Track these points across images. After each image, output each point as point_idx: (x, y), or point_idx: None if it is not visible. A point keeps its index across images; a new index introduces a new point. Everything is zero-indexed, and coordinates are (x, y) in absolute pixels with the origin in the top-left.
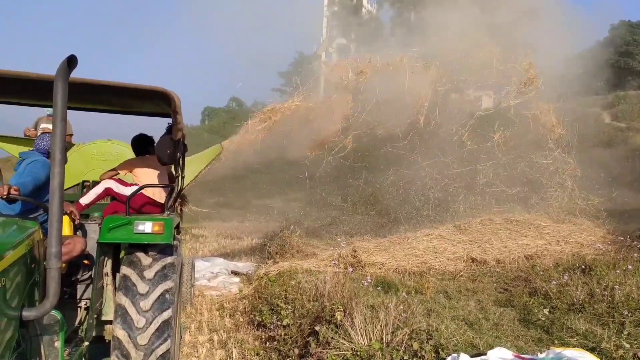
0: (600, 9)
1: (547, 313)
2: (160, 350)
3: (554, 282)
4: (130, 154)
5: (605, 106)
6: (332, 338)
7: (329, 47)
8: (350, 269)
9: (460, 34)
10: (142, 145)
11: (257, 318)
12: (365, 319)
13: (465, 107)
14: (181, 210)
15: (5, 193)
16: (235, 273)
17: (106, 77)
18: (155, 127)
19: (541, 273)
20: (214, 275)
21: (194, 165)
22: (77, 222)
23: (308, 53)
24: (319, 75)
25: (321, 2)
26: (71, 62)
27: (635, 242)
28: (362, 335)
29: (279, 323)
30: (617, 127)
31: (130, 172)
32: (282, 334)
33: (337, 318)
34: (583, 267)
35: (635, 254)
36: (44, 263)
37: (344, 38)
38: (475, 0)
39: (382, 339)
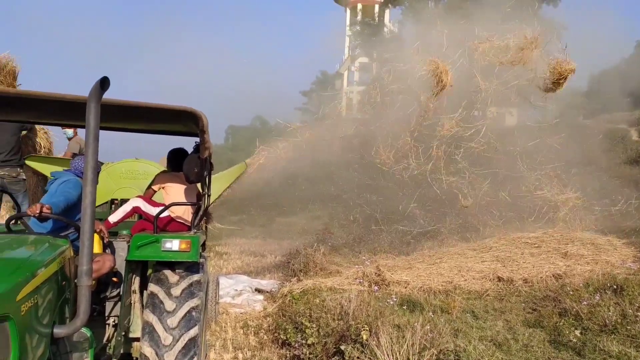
0: (625, 26)
1: (579, 334)
2: None
3: (585, 303)
4: (156, 172)
5: (633, 123)
6: (358, 358)
7: (351, 66)
8: (376, 288)
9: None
10: (179, 159)
11: (282, 336)
12: (391, 338)
13: (488, 124)
14: (206, 227)
15: (37, 211)
16: (259, 291)
17: (130, 97)
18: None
19: (571, 293)
20: (238, 293)
21: (219, 183)
22: (106, 240)
23: (331, 72)
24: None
25: (343, 21)
26: (104, 83)
27: None
28: (388, 355)
29: (303, 342)
30: None
31: (163, 188)
32: (307, 353)
33: (362, 337)
34: (614, 287)
35: None
36: (75, 281)
37: (366, 57)
38: (499, 14)
39: (408, 359)
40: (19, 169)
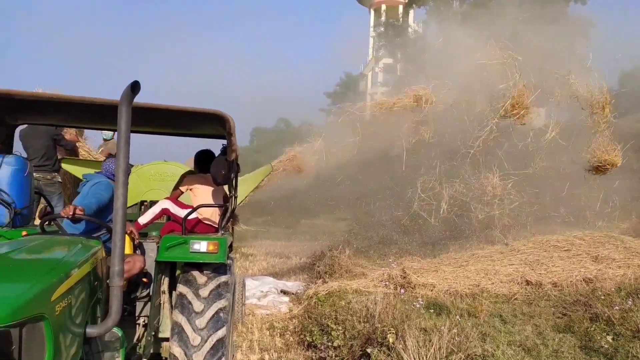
0: None
1: (611, 340)
2: None
3: (617, 308)
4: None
5: None
6: None
7: (375, 67)
8: (402, 291)
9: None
10: (206, 160)
11: (308, 338)
12: (418, 342)
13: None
14: (232, 229)
15: (70, 213)
16: (284, 292)
17: (155, 99)
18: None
19: (602, 297)
20: (264, 294)
21: (245, 185)
22: (136, 241)
23: (354, 73)
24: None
25: (367, 23)
26: (135, 87)
27: None
28: (415, 359)
29: (329, 344)
30: None
31: (191, 189)
32: (333, 355)
33: (389, 340)
34: None
35: None
36: (107, 281)
37: (390, 57)
38: (525, 13)
39: None
40: (53, 173)
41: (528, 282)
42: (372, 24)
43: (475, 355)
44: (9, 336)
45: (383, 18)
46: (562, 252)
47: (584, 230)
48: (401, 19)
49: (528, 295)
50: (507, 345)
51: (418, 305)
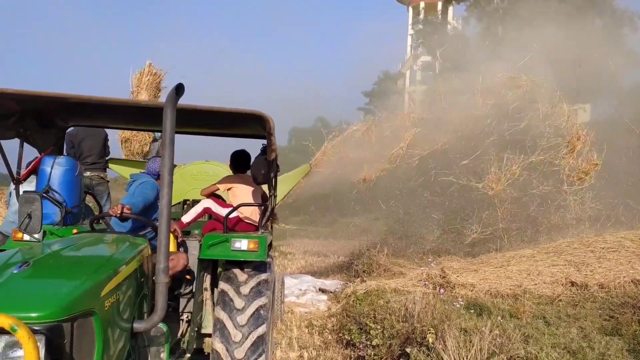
0: None
1: None
2: None
3: None
4: (225, 173)
5: None
6: None
7: (413, 65)
8: (441, 290)
9: (554, 43)
10: (241, 160)
11: (346, 337)
12: (458, 342)
13: (559, 122)
14: (271, 227)
15: (119, 212)
16: (322, 291)
17: (199, 101)
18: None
19: None
20: (302, 293)
21: (283, 185)
22: (179, 239)
23: (393, 71)
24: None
25: (405, 20)
26: (179, 89)
27: None
28: None
29: (368, 343)
30: None
31: (229, 189)
32: (372, 354)
33: (428, 340)
34: None
35: None
36: (153, 278)
37: (429, 55)
38: (571, 9)
39: None
40: (104, 172)
41: (573, 283)
42: (410, 21)
43: (518, 357)
44: (61, 330)
45: (421, 15)
46: (608, 253)
47: (634, 231)
48: (440, 16)
49: (573, 297)
50: (551, 348)
51: (458, 306)
